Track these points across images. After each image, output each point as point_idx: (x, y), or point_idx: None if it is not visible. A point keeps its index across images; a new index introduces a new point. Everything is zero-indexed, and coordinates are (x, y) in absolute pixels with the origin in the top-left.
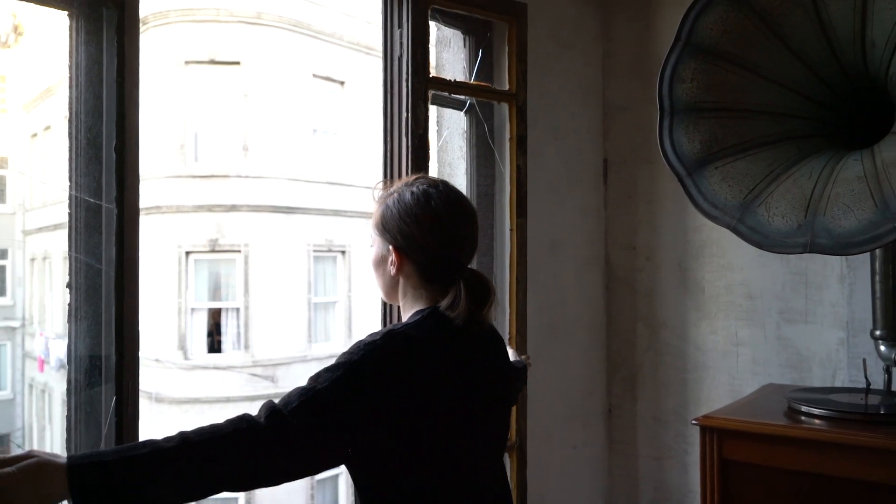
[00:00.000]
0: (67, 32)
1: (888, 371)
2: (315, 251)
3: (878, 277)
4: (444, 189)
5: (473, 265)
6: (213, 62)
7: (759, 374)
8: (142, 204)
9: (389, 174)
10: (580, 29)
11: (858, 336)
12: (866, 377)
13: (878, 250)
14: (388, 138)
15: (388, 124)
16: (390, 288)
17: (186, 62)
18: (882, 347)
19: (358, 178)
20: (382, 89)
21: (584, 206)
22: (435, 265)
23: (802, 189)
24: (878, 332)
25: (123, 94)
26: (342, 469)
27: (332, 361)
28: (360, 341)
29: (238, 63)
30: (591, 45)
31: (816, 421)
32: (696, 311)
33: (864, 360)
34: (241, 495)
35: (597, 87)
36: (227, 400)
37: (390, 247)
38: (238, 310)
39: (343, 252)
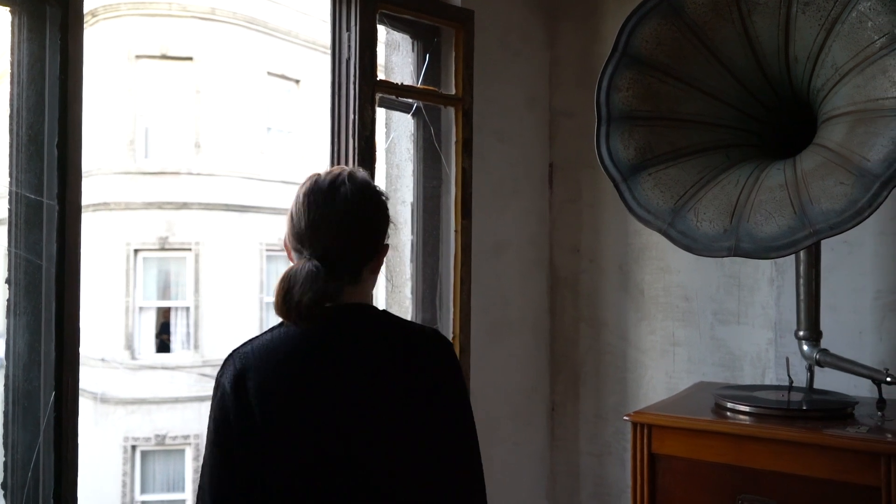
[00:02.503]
0: (10, 29)
1: (810, 370)
2: (268, 250)
3: (801, 281)
4: (324, 176)
5: (418, 265)
6: (164, 57)
7: (694, 373)
8: (89, 200)
9: None
10: (528, 36)
11: (785, 336)
12: (789, 375)
13: (802, 255)
14: (336, 139)
15: (335, 126)
16: None
17: (137, 56)
18: (805, 347)
19: None
20: (330, 91)
21: (530, 209)
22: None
23: (729, 196)
24: (801, 333)
25: (67, 91)
26: None
27: None
28: None
29: (190, 59)
30: (539, 52)
31: (741, 417)
32: (636, 312)
33: (788, 359)
34: (188, 488)
35: (543, 94)
36: (176, 401)
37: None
38: (188, 309)
39: None
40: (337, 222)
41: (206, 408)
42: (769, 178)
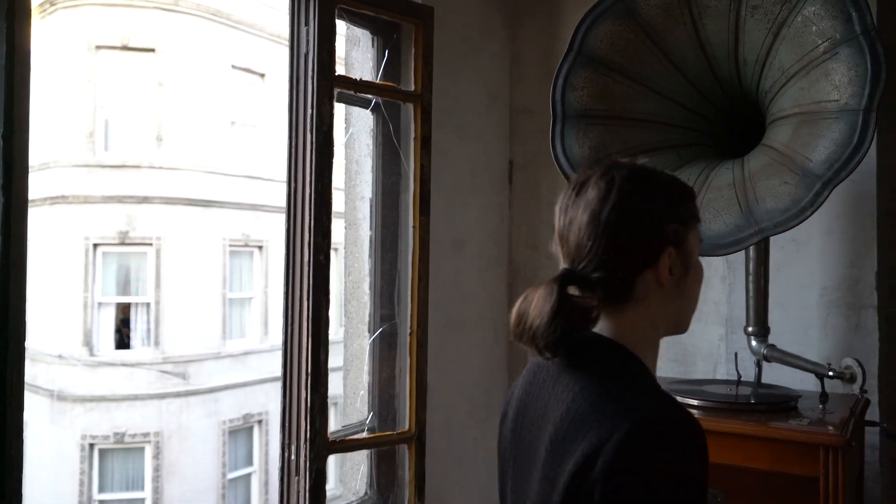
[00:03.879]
0: None
1: (758, 364)
2: (231, 246)
3: (751, 278)
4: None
5: (377, 260)
6: (125, 48)
7: None
8: (47, 193)
9: (293, 170)
10: (489, 34)
11: (736, 332)
12: (737, 370)
13: (752, 253)
14: (293, 134)
15: (293, 121)
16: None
17: (97, 47)
18: (753, 343)
19: (277, 173)
20: (288, 86)
21: (489, 206)
22: None
23: None
24: (750, 329)
25: (13, 81)
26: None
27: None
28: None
29: (153, 50)
30: (500, 49)
31: (690, 410)
32: None
33: (736, 355)
34: (147, 486)
35: (504, 91)
36: (135, 398)
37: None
38: (148, 305)
39: (260, 247)
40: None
41: (166, 405)
42: (718, 177)
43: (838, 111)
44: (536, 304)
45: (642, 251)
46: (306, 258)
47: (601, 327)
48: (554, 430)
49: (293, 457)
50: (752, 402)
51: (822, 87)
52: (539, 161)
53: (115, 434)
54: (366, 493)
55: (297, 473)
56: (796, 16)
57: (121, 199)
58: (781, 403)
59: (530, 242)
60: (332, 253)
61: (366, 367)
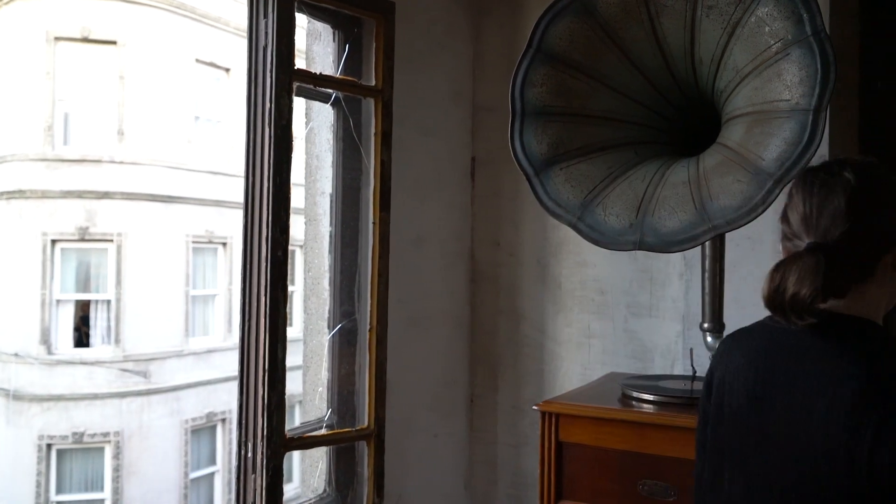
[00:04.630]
0: None
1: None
2: (194, 242)
3: (706, 275)
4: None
5: (336, 256)
6: (86, 40)
7: (608, 364)
8: (3, 188)
9: (252, 165)
10: (452, 30)
11: (693, 329)
12: (692, 365)
13: (707, 250)
14: (252, 129)
15: (251, 115)
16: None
17: (56, 38)
18: (708, 339)
19: (242, 169)
20: (247, 79)
21: (452, 202)
22: None
23: (636, 191)
24: (705, 325)
25: None
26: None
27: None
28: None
29: (114, 43)
30: (463, 46)
31: (645, 405)
32: (554, 304)
33: (692, 350)
34: (107, 487)
35: (467, 88)
36: (95, 397)
37: None
38: (109, 302)
39: (224, 244)
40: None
41: (126, 404)
42: (674, 174)
43: (789, 111)
44: (800, 273)
45: (888, 235)
46: (264, 254)
47: (835, 304)
48: (832, 403)
49: (250, 454)
50: None
51: (774, 87)
52: (502, 158)
53: (74, 434)
54: (324, 491)
55: (254, 471)
56: (750, 16)
57: (80, 195)
58: None
59: (492, 239)
60: (298, 250)
61: (325, 364)
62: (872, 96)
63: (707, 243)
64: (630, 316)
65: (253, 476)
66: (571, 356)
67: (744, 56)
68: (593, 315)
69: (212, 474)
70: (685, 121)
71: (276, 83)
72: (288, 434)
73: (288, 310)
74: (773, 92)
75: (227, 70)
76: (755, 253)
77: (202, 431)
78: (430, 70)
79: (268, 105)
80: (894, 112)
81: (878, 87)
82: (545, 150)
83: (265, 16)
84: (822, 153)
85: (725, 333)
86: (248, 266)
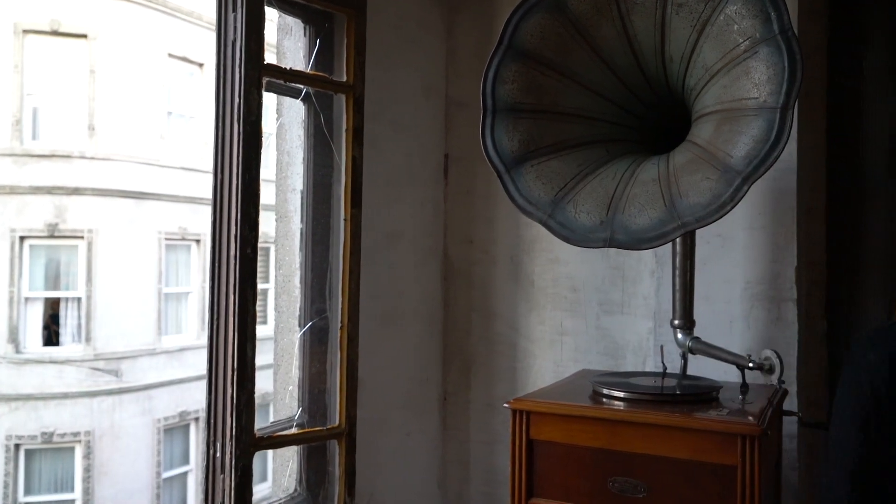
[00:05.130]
0: None
1: (684, 357)
2: (167, 239)
3: (677, 272)
4: None
5: (307, 254)
6: (55, 33)
7: (580, 362)
8: None
9: (220, 161)
10: (424, 25)
11: (664, 326)
12: (663, 362)
13: (678, 247)
14: (220, 124)
15: (220, 110)
16: None
17: (25, 31)
18: (679, 335)
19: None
20: (215, 74)
21: (424, 199)
22: None
23: (606, 188)
24: (676, 322)
25: None
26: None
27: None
28: None
29: (84, 36)
30: (436, 41)
31: (616, 402)
32: (527, 302)
33: (662, 347)
34: (77, 487)
35: (440, 84)
36: (65, 396)
37: None
38: (79, 300)
39: (198, 241)
40: None
41: (97, 403)
42: (644, 172)
43: (757, 108)
44: None
45: None
46: (233, 251)
47: None
48: None
49: (218, 454)
50: (675, 393)
51: (742, 85)
52: (475, 154)
53: (43, 434)
54: (295, 490)
55: (223, 471)
56: (719, 14)
57: (50, 191)
58: (703, 394)
59: (466, 236)
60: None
61: (296, 362)
62: (840, 94)
63: (678, 240)
64: (602, 313)
65: (222, 476)
66: (544, 353)
67: (713, 54)
68: (566, 312)
69: (185, 474)
70: (656, 118)
71: (245, 78)
72: (258, 433)
73: (262, 307)
74: (741, 90)
75: (201, 65)
76: (725, 250)
77: (175, 430)
78: (403, 66)
79: (237, 100)
80: (861, 110)
81: (846, 84)
82: (516, 147)
83: (234, 10)
84: (789, 150)
85: (696, 331)
86: (216, 264)
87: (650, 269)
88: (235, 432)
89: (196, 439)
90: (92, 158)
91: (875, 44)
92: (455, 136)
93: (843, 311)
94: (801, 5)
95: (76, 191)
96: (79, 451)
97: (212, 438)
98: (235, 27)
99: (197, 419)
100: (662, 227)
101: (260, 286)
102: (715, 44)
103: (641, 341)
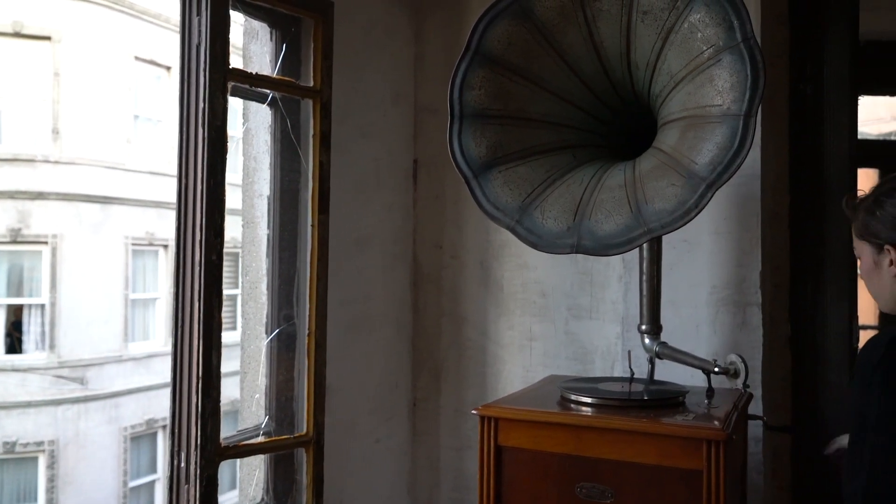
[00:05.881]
0: None
1: (651, 361)
2: (134, 245)
3: (644, 277)
4: None
5: (275, 260)
6: (18, 35)
7: (549, 367)
8: None
9: (185, 166)
10: (392, 31)
11: (631, 331)
12: (630, 367)
13: (645, 253)
14: (185, 129)
15: (184, 114)
16: (891, 293)
17: None
18: (646, 340)
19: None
20: (179, 78)
21: (393, 204)
22: None
23: (573, 194)
24: (643, 327)
25: None
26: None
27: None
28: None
29: (48, 38)
30: (404, 47)
31: (583, 408)
32: (496, 307)
33: (630, 352)
34: (41, 498)
35: (408, 89)
36: (28, 405)
37: (888, 247)
38: (43, 306)
39: (166, 246)
40: None
41: (62, 412)
42: (611, 178)
43: (721, 116)
44: None
45: None
46: (198, 257)
47: None
48: None
49: (183, 464)
50: (640, 398)
51: (706, 93)
52: (444, 160)
53: (5, 444)
54: (262, 499)
55: (188, 481)
56: (683, 22)
57: (13, 195)
58: (669, 399)
59: (435, 241)
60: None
61: (262, 370)
62: (802, 101)
63: (644, 246)
64: (571, 318)
65: (186, 486)
66: (513, 359)
67: (677, 61)
68: (535, 317)
69: (152, 482)
70: (623, 124)
71: (209, 82)
72: (223, 442)
73: (231, 314)
74: (705, 97)
75: (168, 68)
76: (691, 255)
77: (142, 439)
78: (370, 71)
79: (201, 105)
80: (823, 116)
81: (807, 91)
82: (484, 152)
83: (198, 13)
84: (753, 156)
85: (664, 335)
86: (181, 270)
87: (618, 275)
88: (200, 441)
89: (164, 447)
90: (56, 163)
91: (835, 52)
92: (424, 141)
93: (806, 314)
94: (763, 14)
95: (40, 195)
96: (42, 461)
97: (176, 448)
98: (200, 31)
99: (164, 427)
100: (629, 233)
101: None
102: (679, 51)
103: (610, 346)
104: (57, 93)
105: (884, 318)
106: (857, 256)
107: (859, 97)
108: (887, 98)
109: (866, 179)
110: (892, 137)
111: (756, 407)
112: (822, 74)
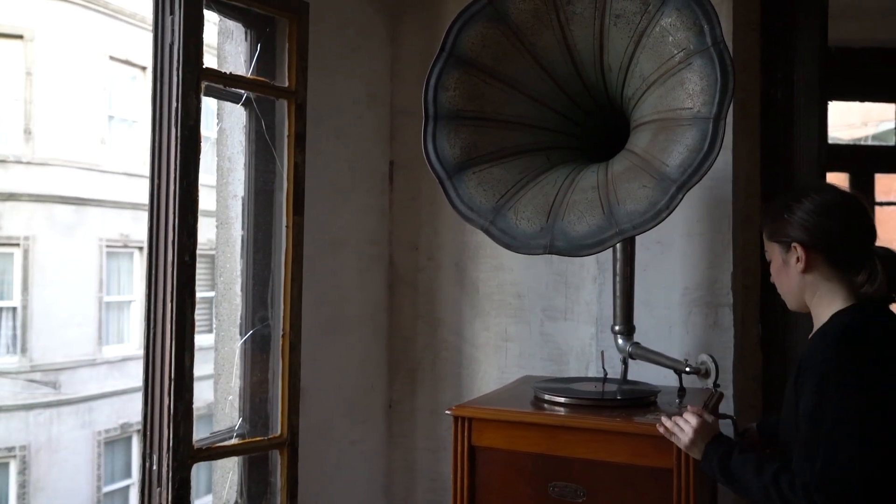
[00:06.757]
0: None
1: (624, 362)
2: (108, 247)
3: (618, 278)
4: (834, 188)
5: (249, 261)
6: None
7: (524, 368)
8: None
9: (157, 166)
10: (368, 32)
11: (605, 331)
12: (604, 367)
13: (618, 254)
14: (158, 128)
15: (157, 114)
16: (798, 290)
17: None
18: (620, 340)
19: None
20: (152, 77)
21: (369, 206)
22: (845, 251)
23: (547, 196)
24: (616, 328)
25: None
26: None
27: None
28: (819, 352)
29: (20, 37)
30: (380, 48)
31: (557, 408)
32: (472, 308)
33: (602, 353)
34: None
35: (384, 91)
36: None
37: (795, 245)
38: (14, 309)
39: (141, 248)
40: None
41: (34, 416)
42: (584, 179)
43: (691, 118)
44: None
45: None
46: (170, 258)
47: None
48: None
49: (155, 467)
50: (610, 398)
51: (677, 96)
52: (420, 162)
53: None
54: (236, 502)
55: (160, 484)
56: (655, 26)
57: None
58: (641, 399)
59: (411, 243)
60: None
61: (236, 371)
62: (773, 105)
63: (618, 247)
64: (546, 319)
65: (158, 489)
66: (489, 360)
67: (649, 65)
68: (510, 319)
69: (127, 487)
70: (597, 126)
71: (183, 82)
72: (196, 445)
73: (207, 316)
74: (676, 100)
75: (144, 68)
76: (664, 256)
77: (117, 443)
78: (345, 72)
79: (174, 104)
80: (793, 120)
81: (778, 96)
82: (458, 154)
83: (171, 12)
84: (725, 159)
85: (637, 336)
86: (153, 271)
87: (592, 276)
88: (173, 444)
89: (138, 452)
90: (28, 163)
91: (805, 58)
92: (400, 143)
93: (777, 315)
94: (735, 20)
95: (12, 196)
96: (13, 467)
97: (148, 451)
98: (173, 30)
99: (139, 431)
100: (601, 234)
101: (205, 294)
102: (651, 55)
103: (584, 347)
104: (29, 92)
105: None
106: (768, 259)
107: (830, 103)
108: (859, 104)
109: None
110: (863, 142)
111: (727, 406)
112: (793, 80)
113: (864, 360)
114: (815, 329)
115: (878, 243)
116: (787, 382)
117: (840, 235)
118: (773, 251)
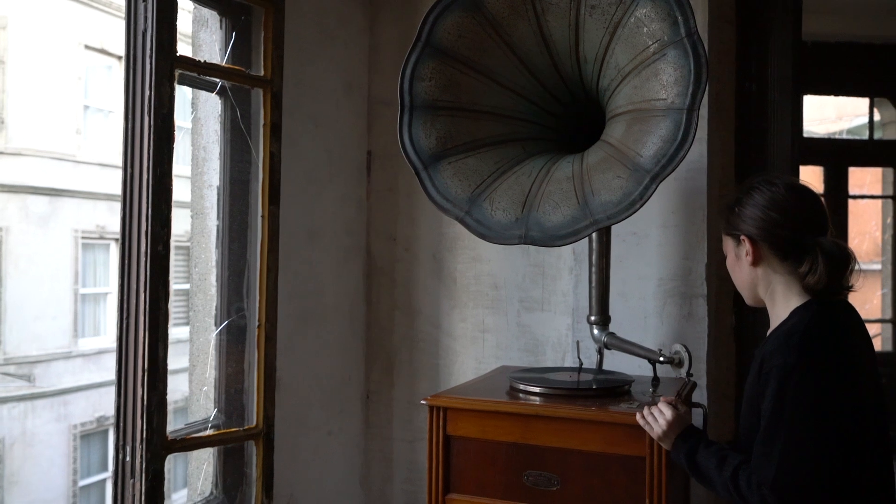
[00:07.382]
0: None
1: (600, 352)
2: (84, 238)
3: (593, 269)
4: (785, 181)
5: (224, 251)
6: None
7: (501, 358)
8: None
9: (130, 155)
10: (346, 21)
11: (582, 322)
12: (579, 357)
13: (594, 245)
14: (130, 117)
15: (129, 102)
16: (750, 283)
17: None
18: (595, 331)
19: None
20: (124, 65)
21: (346, 196)
22: (787, 242)
23: (522, 186)
24: (592, 318)
25: None
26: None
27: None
28: (781, 353)
29: None
30: (357, 38)
31: (532, 397)
32: (449, 300)
33: (578, 343)
34: None
35: (362, 80)
36: None
37: (744, 238)
38: None
39: (117, 240)
40: (820, 208)
41: (8, 410)
42: (559, 170)
43: (665, 109)
44: None
45: None
46: (143, 248)
47: None
48: None
49: (128, 458)
50: (586, 387)
51: (651, 87)
52: (398, 152)
53: None
54: (211, 493)
55: (133, 476)
56: (629, 17)
57: None
58: (615, 388)
59: (388, 234)
60: None
61: (211, 362)
62: (748, 98)
63: (594, 238)
64: (523, 310)
65: (132, 481)
66: (466, 350)
67: (624, 56)
68: (487, 310)
69: (103, 481)
70: (573, 117)
71: (156, 70)
72: (170, 436)
73: (185, 308)
74: (650, 91)
75: (119, 58)
76: (640, 247)
77: (93, 436)
78: (322, 61)
79: (147, 93)
80: (767, 113)
81: (752, 89)
82: (434, 144)
83: None
84: (700, 151)
85: (612, 326)
86: (126, 261)
87: (569, 267)
88: (146, 435)
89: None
90: (1, 153)
91: (779, 52)
92: (378, 133)
93: (750, 306)
94: (711, 13)
95: None
96: None
97: (121, 442)
98: (146, 16)
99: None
100: (575, 225)
101: (183, 286)
102: (626, 46)
103: (561, 337)
104: (2, 81)
105: None
106: (725, 253)
107: (805, 97)
108: (834, 98)
109: (812, 176)
110: (837, 136)
111: (701, 395)
112: (767, 74)
113: (825, 362)
114: (772, 324)
115: (851, 235)
116: (748, 374)
117: (782, 226)
118: (727, 245)
